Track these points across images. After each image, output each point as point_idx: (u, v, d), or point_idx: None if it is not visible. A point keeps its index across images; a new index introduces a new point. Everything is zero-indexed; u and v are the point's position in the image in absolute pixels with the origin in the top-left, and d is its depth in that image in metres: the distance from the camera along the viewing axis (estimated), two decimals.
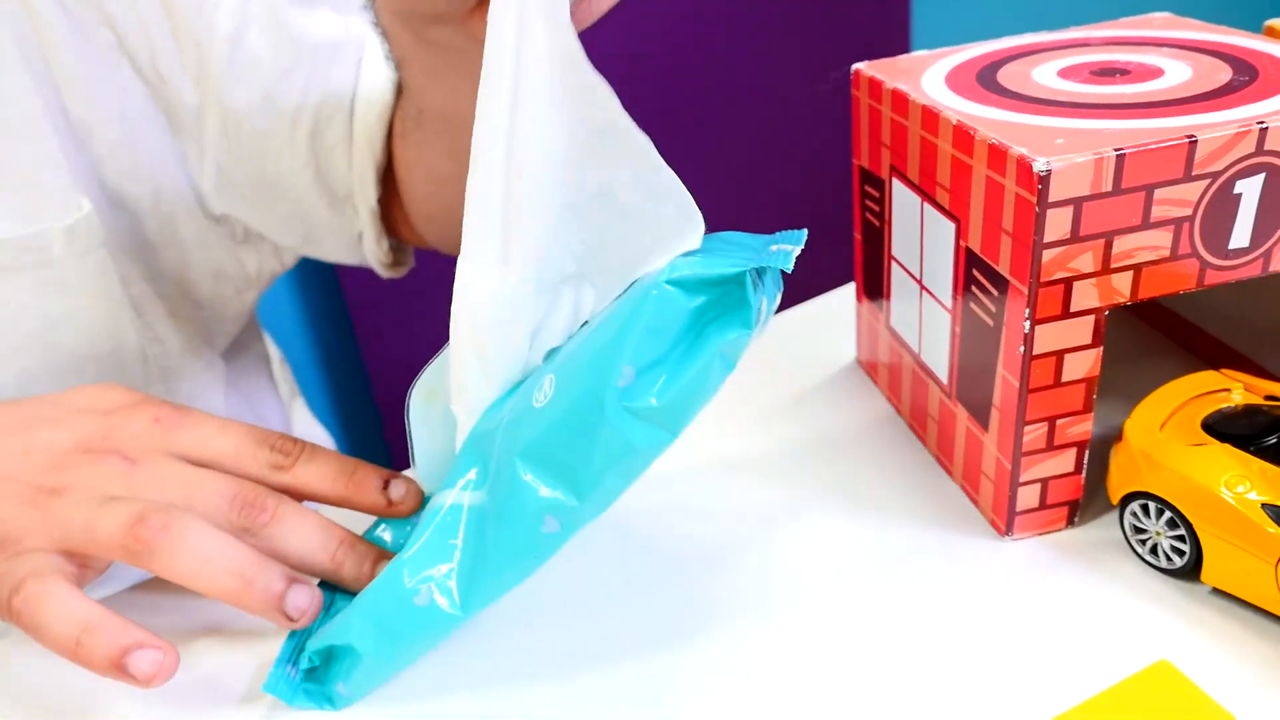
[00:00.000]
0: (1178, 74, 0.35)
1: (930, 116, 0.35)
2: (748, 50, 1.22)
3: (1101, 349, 0.32)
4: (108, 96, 0.45)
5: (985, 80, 0.37)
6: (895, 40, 1.27)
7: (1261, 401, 0.35)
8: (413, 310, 1.13)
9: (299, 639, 0.33)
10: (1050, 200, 0.29)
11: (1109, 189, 0.30)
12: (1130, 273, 0.31)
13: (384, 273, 0.57)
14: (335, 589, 0.35)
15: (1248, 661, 0.30)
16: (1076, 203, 0.30)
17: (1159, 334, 0.47)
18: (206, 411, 0.36)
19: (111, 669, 0.29)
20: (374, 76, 0.49)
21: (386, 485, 0.36)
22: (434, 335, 0.44)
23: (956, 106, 0.35)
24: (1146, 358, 0.45)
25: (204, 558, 0.31)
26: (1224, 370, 0.36)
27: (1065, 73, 0.37)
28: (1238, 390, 0.35)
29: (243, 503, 0.33)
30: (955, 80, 0.38)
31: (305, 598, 0.32)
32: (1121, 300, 0.32)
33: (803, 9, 1.23)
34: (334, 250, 0.55)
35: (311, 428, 0.71)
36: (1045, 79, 0.37)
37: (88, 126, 0.44)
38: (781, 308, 0.50)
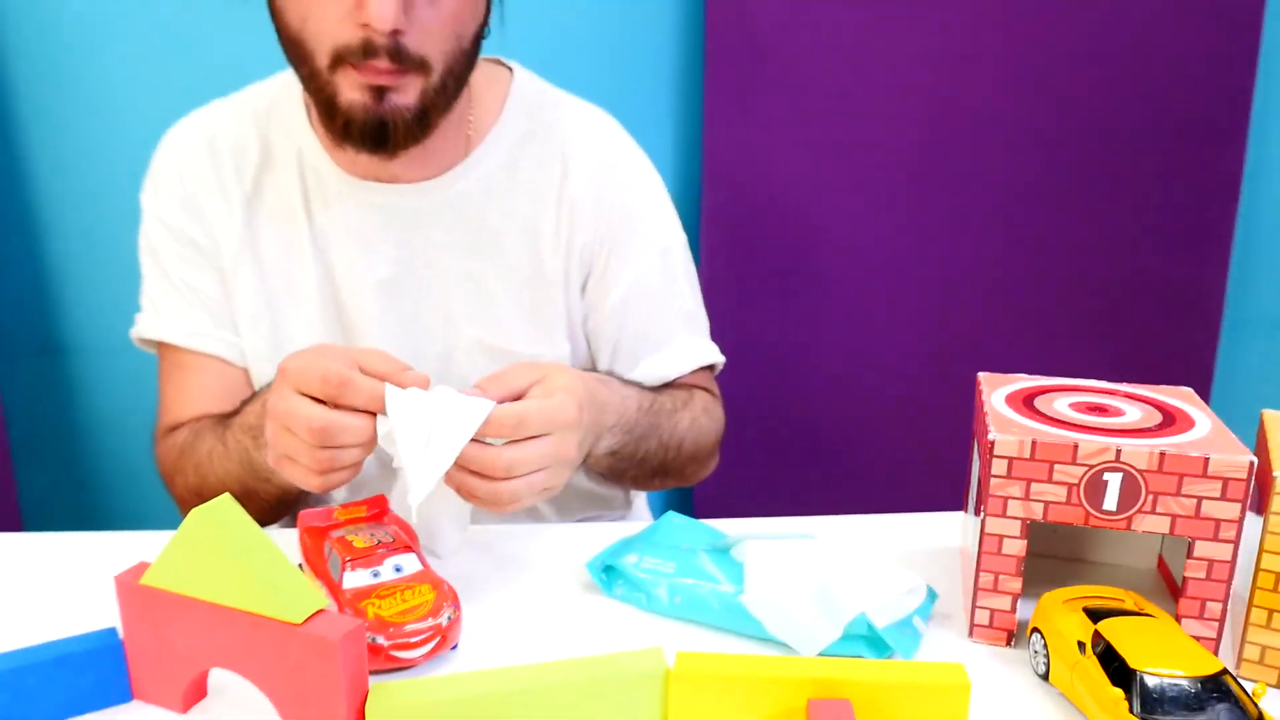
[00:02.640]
0: (1131, 416, 0.64)
1: (982, 411, 0.67)
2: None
3: (1026, 541, 0.61)
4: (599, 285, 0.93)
5: (1028, 400, 0.68)
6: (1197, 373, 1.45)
7: (1137, 611, 0.60)
8: None
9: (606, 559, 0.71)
10: (995, 454, 0.61)
11: (1028, 457, 0.60)
12: (1041, 505, 0.60)
13: None
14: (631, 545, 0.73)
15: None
16: (1010, 460, 0.60)
17: (1163, 580, 0.70)
18: None
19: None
20: None
21: None
22: None
23: (999, 409, 0.66)
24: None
25: None
26: (1130, 591, 0.62)
27: (1074, 405, 0.67)
28: (1129, 601, 0.61)
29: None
30: (1013, 397, 0.69)
31: None
32: (1036, 519, 0.61)
33: (1114, 344, 1.47)
34: None
35: None
36: (1060, 405, 0.67)
37: (593, 310, 0.93)
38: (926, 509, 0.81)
